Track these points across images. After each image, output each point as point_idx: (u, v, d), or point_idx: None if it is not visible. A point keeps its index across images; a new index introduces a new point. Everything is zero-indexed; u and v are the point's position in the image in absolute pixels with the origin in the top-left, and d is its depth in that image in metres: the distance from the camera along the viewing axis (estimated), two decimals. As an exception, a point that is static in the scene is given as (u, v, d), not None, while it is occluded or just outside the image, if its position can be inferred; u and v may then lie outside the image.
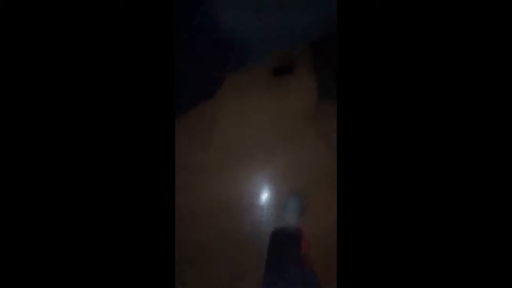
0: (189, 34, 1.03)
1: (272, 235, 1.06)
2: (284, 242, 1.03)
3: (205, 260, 1.29)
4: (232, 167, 1.39)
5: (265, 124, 1.39)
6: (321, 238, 1.16)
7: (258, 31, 1.11)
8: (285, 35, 1.16)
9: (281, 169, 1.38)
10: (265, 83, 1.41)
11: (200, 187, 1.35)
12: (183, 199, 1.21)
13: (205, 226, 1.32)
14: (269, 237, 1.06)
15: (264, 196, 1.38)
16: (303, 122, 1.36)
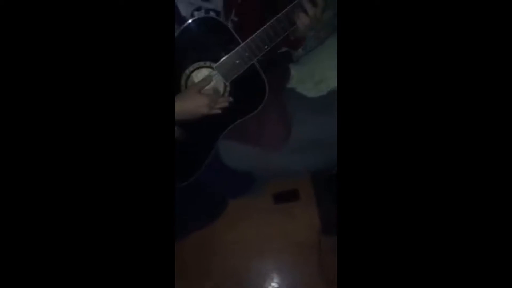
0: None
1: None
2: None
3: None
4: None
5: (266, 254, 1.39)
6: None
7: (259, 162, 1.19)
8: (286, 167, 1.23)
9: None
10: (267, 211, 1.44)
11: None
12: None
13: None
14: None
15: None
16: (304, 254, 1.36)
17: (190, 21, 0.88)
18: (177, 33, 0.88)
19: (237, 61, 0.93)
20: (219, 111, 0.97)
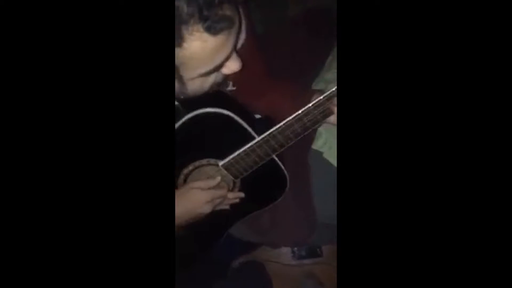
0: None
1: None
2: None
3: None
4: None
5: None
6: None
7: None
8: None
9: None
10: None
11: None
12: None
13: None
14: None
15: None
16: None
17: (190, 115, 0.66)
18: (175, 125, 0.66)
19: (250, 159, 0.71)
20: (227, 207, 0.79)
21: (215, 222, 0.81)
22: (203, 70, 0.57)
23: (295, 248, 1.15)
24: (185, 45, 0.51)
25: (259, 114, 0.81)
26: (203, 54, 0.53)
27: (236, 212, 0.81)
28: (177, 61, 0.53)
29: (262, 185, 0.79)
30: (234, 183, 0.78)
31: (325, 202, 0.91)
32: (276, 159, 0.74)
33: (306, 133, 0.70)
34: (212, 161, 0.72)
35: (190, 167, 0.73)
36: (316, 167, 0.93)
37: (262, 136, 0.68)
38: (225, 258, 1.19)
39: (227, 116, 0.67)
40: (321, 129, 0.94)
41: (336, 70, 0.97)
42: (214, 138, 0.71)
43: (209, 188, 0.73)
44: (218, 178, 0.73)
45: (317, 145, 0.95)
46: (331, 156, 0.93)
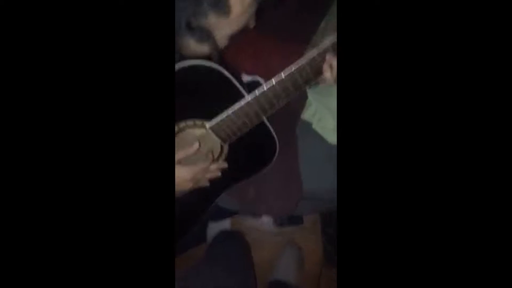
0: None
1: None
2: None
3: None
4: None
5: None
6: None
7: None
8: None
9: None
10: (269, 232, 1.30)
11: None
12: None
13: None
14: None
15: None
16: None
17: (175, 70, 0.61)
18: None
19: (240, 121, 0.67)
20: (207, 184, 0.74)
21: (199, 197, 0.77)
22: None
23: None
24: None
25: (246, 72, 0.77)
26: None
27: (222, 183, 0.77)
28: None
29: (250, 152, 0.75)
30: (222, 148, 0.73)
31: (310, 173, 0.88)
32: (266, 122, 0.71)
33: (297, 93, 0.66)
34: (198, 122, 0.68)
35: (175, 129, 0.68)
36: (304, 138, 0.90)
37: (252, 94, 0.64)
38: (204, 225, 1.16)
39: (215, 70, 0.62)
40: (311, 98, 0.91)
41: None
42: (200, 96, 0.66)
43: (190, 155, 0.68)
44: (196, 145, 0.68)
45: (306, 115, 0.92)
46: (320, 128, 0.90)
